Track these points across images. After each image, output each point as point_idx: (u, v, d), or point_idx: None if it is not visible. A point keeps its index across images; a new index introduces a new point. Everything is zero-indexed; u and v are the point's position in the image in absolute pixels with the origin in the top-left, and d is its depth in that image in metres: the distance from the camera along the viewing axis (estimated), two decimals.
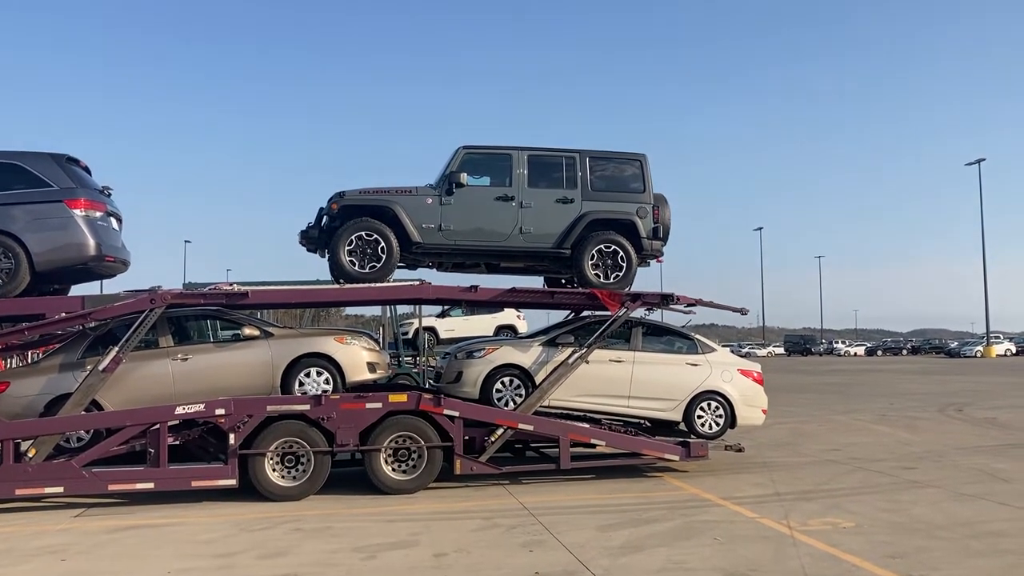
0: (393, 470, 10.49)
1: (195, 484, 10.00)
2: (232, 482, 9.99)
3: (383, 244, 11.02)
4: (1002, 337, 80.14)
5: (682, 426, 11.85)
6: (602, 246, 11.48)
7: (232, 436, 9.96)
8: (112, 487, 9.85)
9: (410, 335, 21.51)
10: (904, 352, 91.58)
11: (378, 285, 11.12)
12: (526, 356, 11.36)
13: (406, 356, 20.98)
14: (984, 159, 70.18)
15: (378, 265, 11.04)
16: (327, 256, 11.22)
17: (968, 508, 9.13)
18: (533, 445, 12.25)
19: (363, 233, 11.01)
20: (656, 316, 12.75)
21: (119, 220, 11.30)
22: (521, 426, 10.88)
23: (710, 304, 12.26)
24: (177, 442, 10.34)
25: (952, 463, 12.25)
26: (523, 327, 21.13)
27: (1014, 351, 75.27)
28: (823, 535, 7.90)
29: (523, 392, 11.18)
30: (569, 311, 12.87)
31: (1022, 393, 26.23)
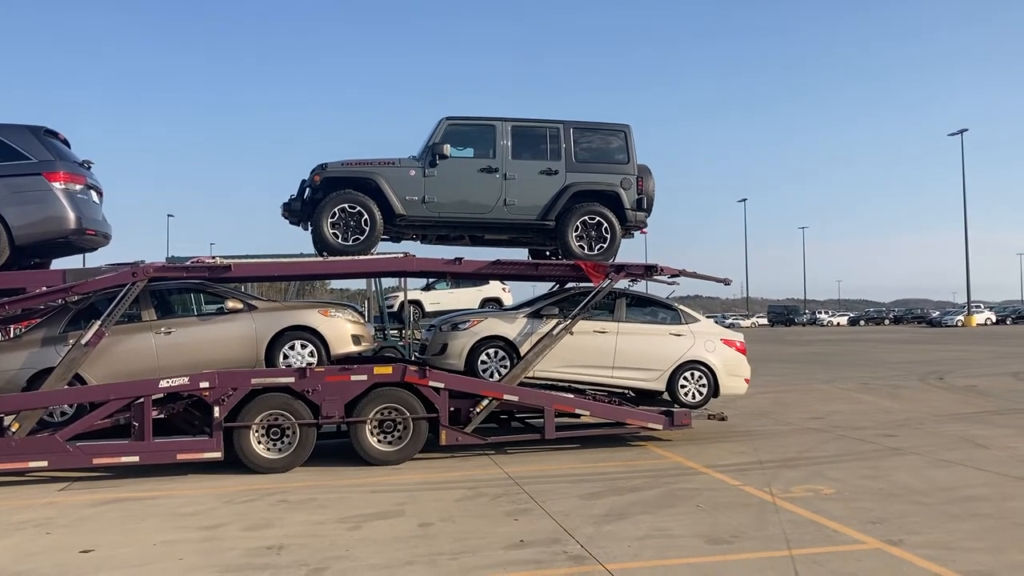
0: (379, 441, 10.52)
1: (180, 457, 10.00)
2: (217, 455, 9.99)
3: (366, 216, 10.96)
4: (983, 307, 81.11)
5: (666, 396, 11.93)
6: (586, 218, 11.47)
7: (217, 409, 9.95)
8: (97, 461, 9.83)
9: (395, 308, 21.51)
10: (887, 322, 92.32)
11: (362, 258, 11.07)
12: (511, 328, 11.39)
13: (391, 329, 20.98)
14: (967, 130, 70.45)
15: (361, 238, 10.99)
16: (310, 229, 11.16)
17: (947, 474, 9.26)
18: (518, 416, 12.31)
19: (346, 205, 10.95)
20: (640, 287, 12.79)
21: (100, 193, 11.17)
22: (506, 397, 10.93)
23: (693, 275, 12.29)
24: (162, 415, 10.32)
25: (933, 430, 12.40)
26: (508, 299, 21.17)
27: (994, 320, 76.19)
28: (805, 502, 8.00)
29: (508, 363, 11.21)
30: (554, 283, 12.88)
31: (1002, 361, 26.53)
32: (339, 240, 10.96)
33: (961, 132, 70.43)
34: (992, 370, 23.20)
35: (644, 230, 12.16)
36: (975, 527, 7.04)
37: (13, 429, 9.70)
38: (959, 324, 71.49)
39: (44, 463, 9.68)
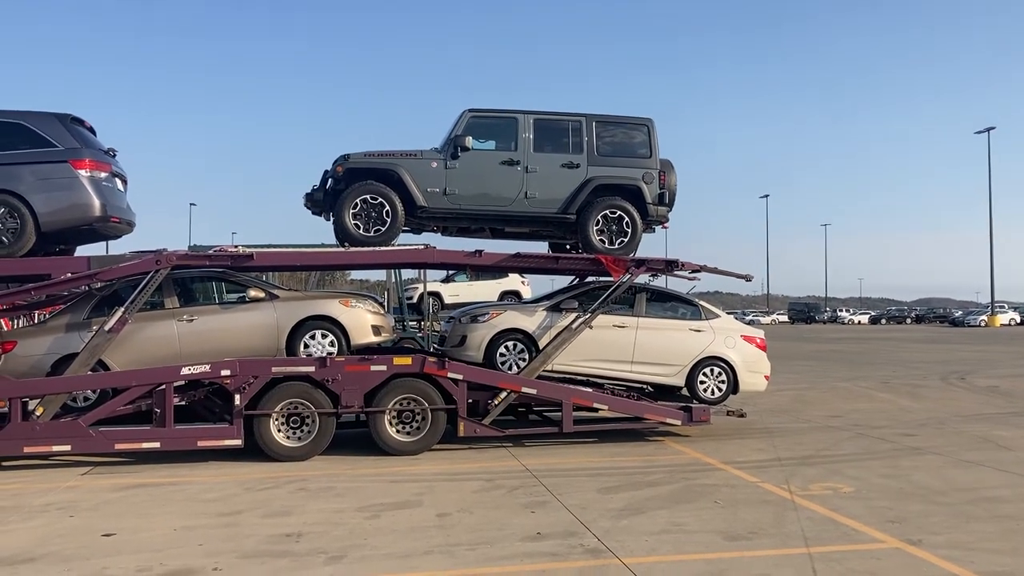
0: (397, 432, 10.58)
1: (201, 444, 10.10)
2: (237, 442, 10.08)
3: (388, 208, 10.99)
4: (1007, 307, 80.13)
5: (685, 391, 11.90)
6: (607, 211, 11.45)
7: (238, 397, 10.04)
8: (119, 446, 9.95)
9: (415, 300, 21.58)
10: (908, 321, 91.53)
11: (383, 249, 11.11)
12: (530, 321, 11.39)
13: (411, 321, 21.04)
14: (994, 127, 69.63)
15: (383, 229, 11.02)
16: (332, 219, 11.21)
17: (968, 474, 9.18)
18: (536, 409, 12.34)
19: (368, 196, 10.99)
20: (660, 282, 12.74)
21: (124, 181, 11.29)
22: (524, 390, 10.94)
23: (714, 270, 12.25)
24: (183, 402, 10.42)
25: (953, 430, 12.31)
26: (527, 292, 21.17)
27: (1019, 320, 75.24)
28: (823, 499, 7.97)
29: (527, 356, 11.22)
30: (573, 277, 12.87)
31: None
32: (360, 231, 11.00)
33: (988, 130, 69.66)
34: (1015, 371, 22.97)
35: (665, 225, 12.11)
36: (996, 528, 6.98)
37: (38, 413, 9.84)
38: (982, 324, 70.78)
39: (67, 447, 9.81)
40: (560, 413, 11.07)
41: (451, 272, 20.99)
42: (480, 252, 11.38)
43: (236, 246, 10.86)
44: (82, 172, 10.22)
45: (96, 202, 10.25)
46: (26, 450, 9.74)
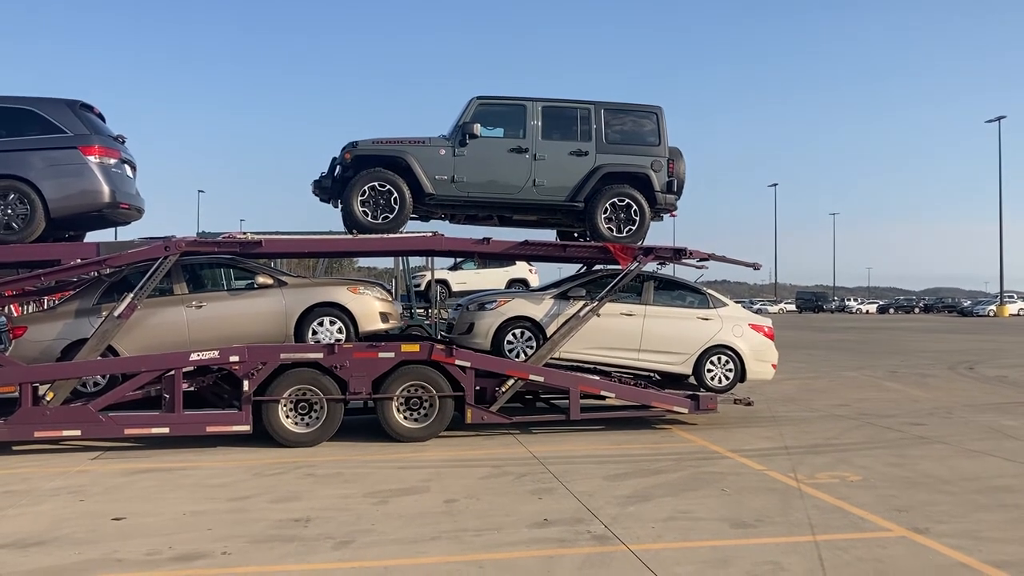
0: (405, 418, 10.61)
1: (209, 430, 10.15)
2: (246, 428, 10.13)
3: (396, 195, 10.99)
4: (1016, 296, 79.72)
5: (692, 379, 11.91)
6: (616, 199, 11.43)
7: (246, 383, 10.08)
8: (128, 431, 10.01)
9: (422, 287, 21.58)
10: (917, 310, 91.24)
11: (391, 236, 11.12)
12: (538, 308, 11.41)
13: (418, 308, 21.06)
14: (1004, 117, 69.25)
15: (391, 216, 11.02)
16: (340, 206, 11.22)
17: (975, 464, 9.18)
18: (543, 396, 12.36)
19: (376, 184, 10.99)
20: (668, 270, 12.73)
21: (133, 168, 11.31)
22: (532, 377, 10.96)
23: (723, 259, 12.22)
24: (192, 388, 10.47)
25: (961, 420, 12.29)
26: (535, 280, 21.17)
27: None
28: (830, 488, 7.97)
29: (534, 344, 11.24)
30: (581, 265, 12.87)
31: None
32: (368, 218, 11.01)
33: (999, 119, 69.31)
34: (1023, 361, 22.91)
35: (674, 213, 12.10)
36: (1003, 517, 6.98)
37: (48, 398, 9.90)
38: (991, 314, 70.51)
39: (77, 432, 9.87)
40: (567, 401, 11.09)
41: (459, 260, 21.01)
42: (488, 240, 11.38)
43: (244, 233, 10.88)
44: (91, 158, 10.25)
45: (105, 188, 10.28)
46: (37, 435, 9.81)
